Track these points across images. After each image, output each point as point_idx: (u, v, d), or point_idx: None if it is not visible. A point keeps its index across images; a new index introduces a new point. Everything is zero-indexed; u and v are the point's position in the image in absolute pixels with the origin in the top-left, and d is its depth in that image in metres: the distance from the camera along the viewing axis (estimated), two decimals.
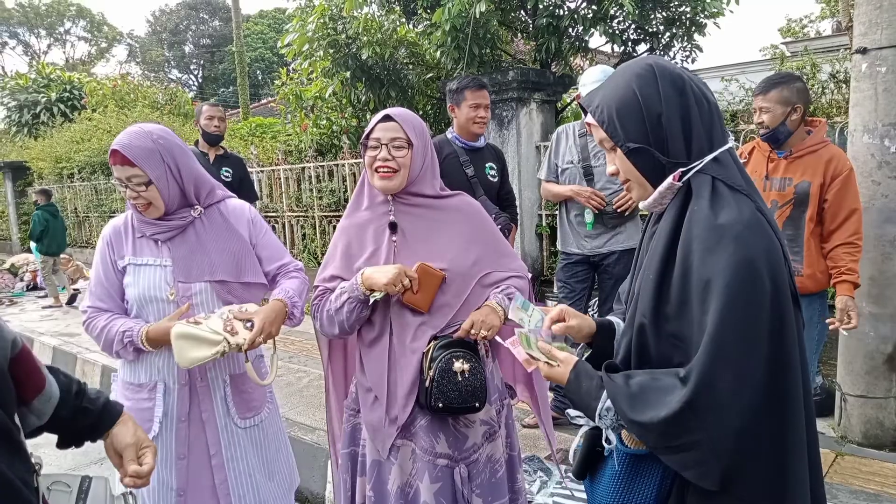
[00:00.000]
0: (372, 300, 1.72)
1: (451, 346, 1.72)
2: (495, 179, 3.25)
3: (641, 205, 1.26)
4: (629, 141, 1.18)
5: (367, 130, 1.82)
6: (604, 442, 1.22)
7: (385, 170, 1.78)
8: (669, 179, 1.17)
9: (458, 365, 1.68)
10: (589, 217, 3.18)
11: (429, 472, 1.75)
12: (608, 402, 1.14)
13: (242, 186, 4.51)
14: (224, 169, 4.41)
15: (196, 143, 4.49)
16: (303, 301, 2.00)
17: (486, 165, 3.21)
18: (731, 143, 1.19)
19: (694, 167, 1.15)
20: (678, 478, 1.19)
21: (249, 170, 7.66)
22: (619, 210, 3.12)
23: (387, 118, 1.80)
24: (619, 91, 1.19)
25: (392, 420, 1.77)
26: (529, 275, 1.96)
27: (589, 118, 1.25)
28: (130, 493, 1.33)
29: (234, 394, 1.93)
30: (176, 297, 1.85)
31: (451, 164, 3.07)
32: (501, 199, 3.33)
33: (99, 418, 1.27)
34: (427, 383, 1.68)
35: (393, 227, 1.83)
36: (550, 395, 3.29)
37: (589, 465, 1.35)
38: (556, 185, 3.35)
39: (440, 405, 1.68)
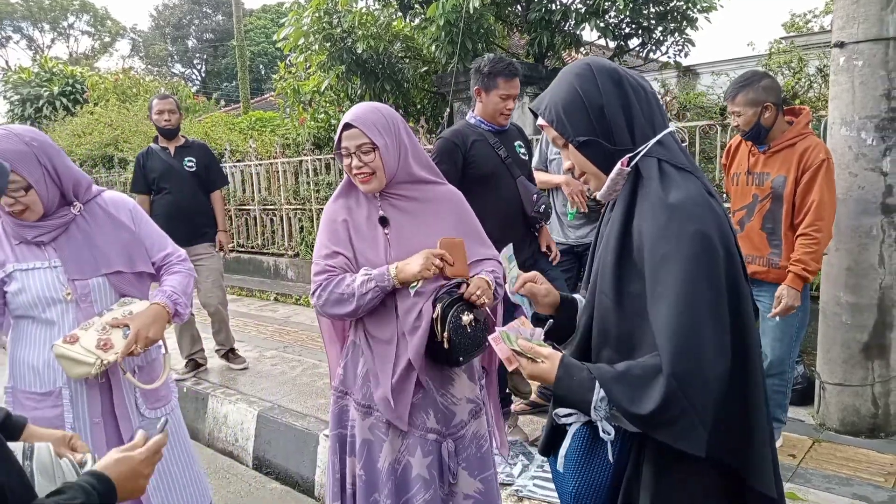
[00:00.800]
0: (413, 291, 1.80)
1: (453, 304, 1.80)
2: (526, 157, 3.11)
3: (598, 194, 1.32)
4: (578, 135, 1.25)
5: (336, 139, 1.86)
6: (602, 434, 1.22)
7: (362, 175, 1.84)
8: (619, 165, 1.24)
9: (465, 318, 1.78)
10: (571, 207, 3.25)
11: (420, 446, 1.83)
12: (602, 393, 1.15)
13: (210, 173, 4.45)
14: (186, 159, 4.32)
15: (155, 139, 4.37)
16: (190, 294, 2.00)
17: (516, 144, 3.05)
18: (672, 128, 1.26)
19: (640, 151, 1.22)
20: (633, 449, 1.25)
21: (248, 163, 7.77)
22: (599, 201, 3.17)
23: (347, 126, 1.83)
24: (563, 91, 1.27)
25: (402, 391, 1.82)
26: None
27: (540, 120, 1.32)
28: (91, 456, 1.31)
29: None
30: (74, 296, 1.80)
31: (482, 149, 2.88)
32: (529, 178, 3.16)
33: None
34: (446, 345, 1.75)
35: (383, 222, 1.89)
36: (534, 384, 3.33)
37: (552, 442, 1.41)
38: (545, 174, 3.40)
39: (461, 359, 1.80)
